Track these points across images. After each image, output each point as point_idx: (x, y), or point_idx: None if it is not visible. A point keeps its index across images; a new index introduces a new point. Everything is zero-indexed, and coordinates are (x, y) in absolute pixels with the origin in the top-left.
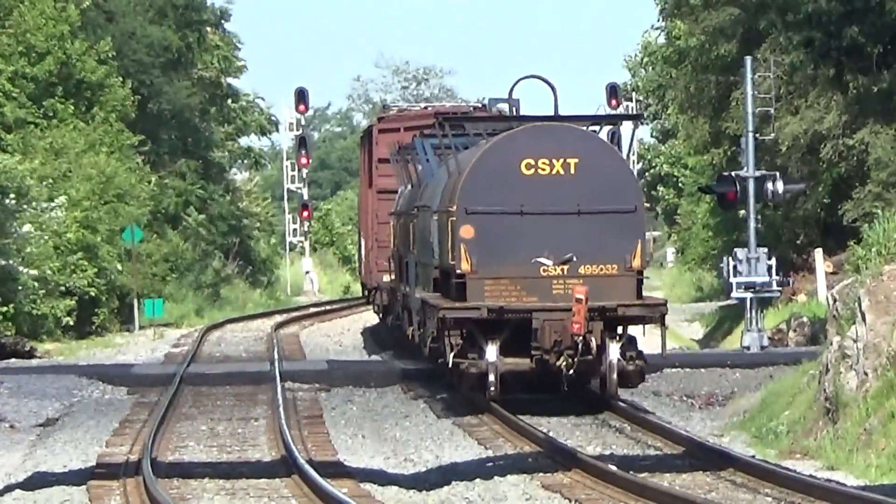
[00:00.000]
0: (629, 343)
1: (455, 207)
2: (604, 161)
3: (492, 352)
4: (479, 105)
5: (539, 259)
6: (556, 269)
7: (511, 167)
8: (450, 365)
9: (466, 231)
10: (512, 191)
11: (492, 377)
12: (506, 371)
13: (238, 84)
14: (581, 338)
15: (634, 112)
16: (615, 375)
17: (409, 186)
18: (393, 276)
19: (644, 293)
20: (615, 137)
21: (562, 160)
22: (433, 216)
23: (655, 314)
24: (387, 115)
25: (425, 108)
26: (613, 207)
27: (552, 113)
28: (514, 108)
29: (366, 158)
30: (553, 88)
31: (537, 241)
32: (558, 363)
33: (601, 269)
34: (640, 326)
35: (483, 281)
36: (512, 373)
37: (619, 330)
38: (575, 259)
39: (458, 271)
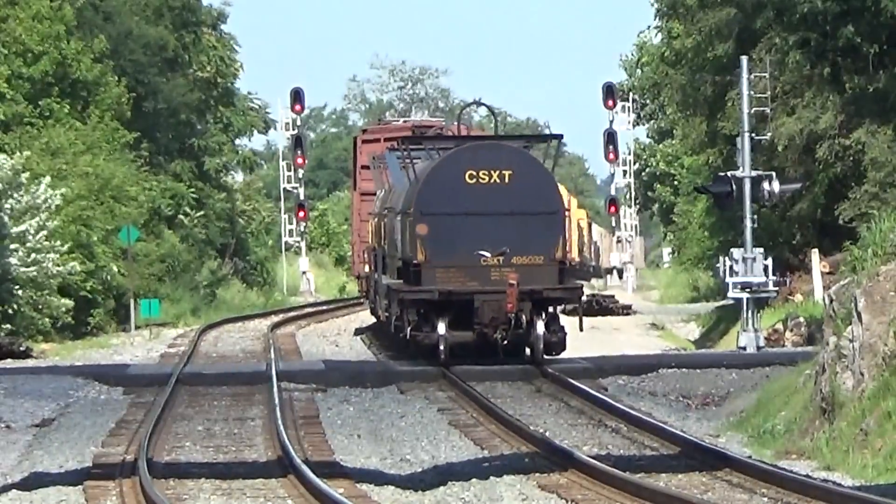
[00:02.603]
0: (553, 319)
1: (412, 210)
2: (532, 172)
3: (442, 326)
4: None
5: (480, 251)
6: (493, 260)
7: (457, 177)
8: (408, 337)
9: (422, 229)
10: (458, 196)
11: (442, 347)
12: (453, 342)
13: (234, 85)
14: (513, 315)
15: (630, 112)
16: (541, 345)
17: (383, 191)
18: (371, 267)
19: (639, 293)
20: (613, 138)
21: (498, 172)
22: (397, 216)
23: (574, 296)
24: (370, 128)
25: (405, 122)
26: (539, 210)
27: (494, 132)
28: (466, 128)
29: (353, 164)
30: (494, 113)
31: (478, 237)
32: (495, 335)
33: (530, 260)
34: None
35: (435, 269)
36: (458, 343)
37: (551, 309)
38: (508, 251)
39: (415, 261)
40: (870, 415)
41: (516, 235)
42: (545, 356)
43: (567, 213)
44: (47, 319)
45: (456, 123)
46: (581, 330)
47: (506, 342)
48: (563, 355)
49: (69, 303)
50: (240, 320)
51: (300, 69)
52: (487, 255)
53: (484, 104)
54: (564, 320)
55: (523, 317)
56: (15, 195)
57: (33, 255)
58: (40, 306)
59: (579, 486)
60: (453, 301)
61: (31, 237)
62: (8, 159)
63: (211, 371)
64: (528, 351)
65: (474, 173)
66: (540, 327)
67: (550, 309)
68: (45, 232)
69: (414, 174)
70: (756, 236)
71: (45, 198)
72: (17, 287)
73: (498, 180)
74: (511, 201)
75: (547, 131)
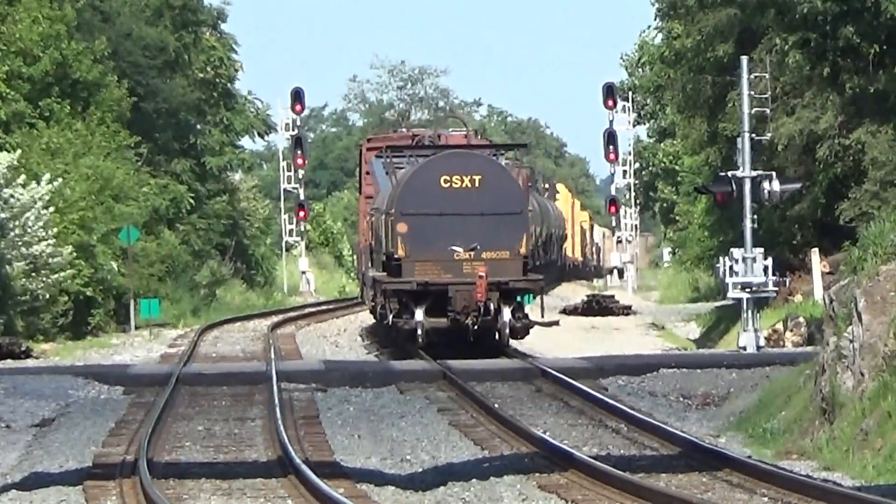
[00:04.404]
0: (518, 307)
1: (394, 210)
2: (499, 177)
3: (419, 314)
4: (470, 132)
5: (453, 247)
6: (465, 255)
7: (433, 181)
8: (389, 324)
9: (402, 227)
10: (434, 198)
11: (419, 332)
12: (430, 327)
13: (233, 85)
14: (483, 303)
15: (631, 112)
16: (507, 330)
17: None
18: (362, 262)
19: (640, 293)
20: (613, 138)
21: (469, 177)
22: (382, 216)
23: (536, 286)
24: (374, 136)
25: (408, 131)
26: (505, 210)
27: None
28: (442, 138)
29: (359, 170)
30: (465, 125)
31: (452, 234)
32: (467, 321)
33: (497, 254)
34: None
35: (414, 263)
36: (434, 329)
37: (518, 298)
38: (478, 247)
39: (396, 256)
40: (870, 415)
41: (485, 233)
42: (511, 340)
43: (530, 212)
44: (47, 320)
45: (449, 131)
46: (542, 316)
47: (476, 327)
48: (563, 355)
49: (69, 295)
50: (240, 320)
51: (300, 69)
52: (460, 250)
53: (458, 117)
54: (565, 318)
55: (491, 305)
56: (14, 193)
57: (32, 248)
58: (41, 297)
59: (579, 486)
60: (430, 291)
61: (29, 229)
62: (6, 156)
63: (211, 371)
64: (496, 336)
65: (448, 178)
66: (506, 314)
67: (523, 297)
68: (41, 223)
69: (395, 179)
70: (756, 236)
71: (42, 194)
72: (17, 280)
73: (469, 184)
74: (481, 203)
75: (547, 132)
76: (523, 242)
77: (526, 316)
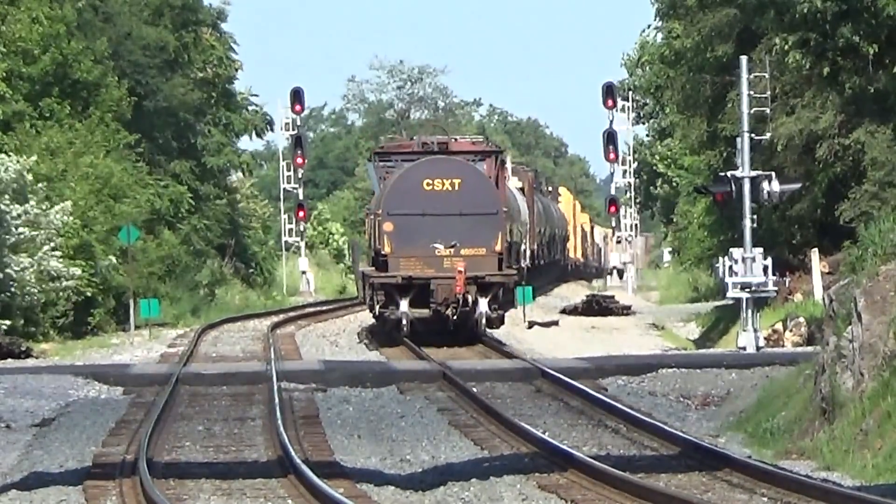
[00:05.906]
0: (493, 300)
1: (381, 211)
2: (477, 181)
3: (404, 305)
4: (476, 138)
5: (435, 245)
6: (446, 251)
7: (416, 184)
8: (377, 315)
9: (388, 226)
10: (417, 200)
11: (404, 321)
12: (413, 318)
13: (232, 85)
14: (461, 296)
15: (630, 111)
16: (484, 320)
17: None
18: (355, 258)
19: (640, 293)
20: (613, 138)
21: (449, 180)
22: (371, 216)
23: (510, 280)
24: (385, 144)
25: (414, 138)
26: (482, 211)
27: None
28: (431, 143)
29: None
30: (446, 132)
31: (434, 233)
32: (447, 312)
33: (475, 251)
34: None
35: (399, 259)
36: (418, 319)
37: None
38: (458, 244)
39: (383, 252)
40: (870, 415)
41: (464, 231)
42: (487, 329)
43: (505, 212)
44: (47, 319)
45: (457, 137)
46: (514, 307)
47: (455, 317)
48: (563, 355)
49: (67, 293)
50: (239, 320)
51: (300, 69)
52: (441, 247)
53: (440, 125)
54: (565, 318)
55: (469, 297)
56: (26, 205)
57: (40, 266)
58: (43, 302)
59: (579, 486)
60: (413, 284)
61: (39, 250)
62: (10, 161)
63: (211, 371)
64: (474, 325)
65: (430, 181)
66: (483, 305)
67: (497, 290)
68: (52, 244)
69: (383, 182)
70: (756, 236)
71: (55, 218)
72: (18, 286)
73: (449, 187)
74: (460, 204)
75: (547, 132)
76: (499, 240)
77: (501, 307)
